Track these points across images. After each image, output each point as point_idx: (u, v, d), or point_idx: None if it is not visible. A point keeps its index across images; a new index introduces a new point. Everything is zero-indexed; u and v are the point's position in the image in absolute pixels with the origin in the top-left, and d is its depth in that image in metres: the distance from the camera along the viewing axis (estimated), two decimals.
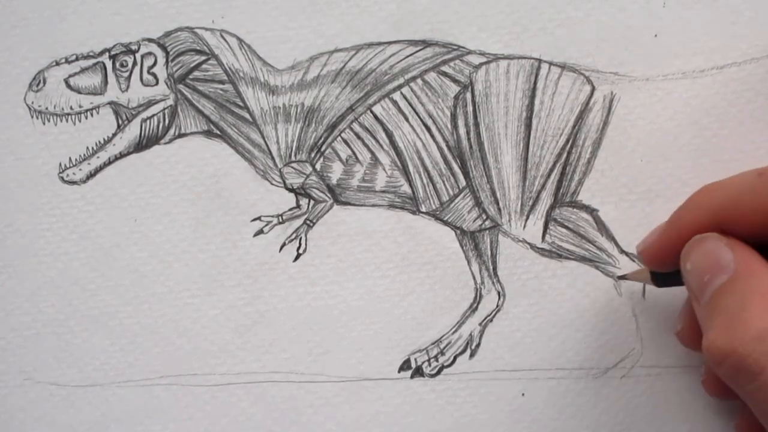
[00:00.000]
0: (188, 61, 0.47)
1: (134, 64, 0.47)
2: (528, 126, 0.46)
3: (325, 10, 0.46)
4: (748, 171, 0.37)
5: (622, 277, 0.44)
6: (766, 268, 0.36)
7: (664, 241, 0.39)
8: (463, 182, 0.46)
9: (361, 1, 0.46)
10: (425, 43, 0.46)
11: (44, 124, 0.46)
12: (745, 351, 0.33)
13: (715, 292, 0.36)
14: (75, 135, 0.46)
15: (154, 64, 0.47)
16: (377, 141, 0.46)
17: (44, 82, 0.46)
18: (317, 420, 0.46)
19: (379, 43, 0.46)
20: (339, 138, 0.46)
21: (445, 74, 0.46)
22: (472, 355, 0.46)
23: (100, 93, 0.47)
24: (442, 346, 0.46)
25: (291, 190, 0.46)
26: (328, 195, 0.46)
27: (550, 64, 0.46)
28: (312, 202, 0.46)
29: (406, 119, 0.46)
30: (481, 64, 0.46)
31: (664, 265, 0.40)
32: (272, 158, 0.46)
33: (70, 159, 0.46)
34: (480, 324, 0.46)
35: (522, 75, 0.46)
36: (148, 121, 0.46)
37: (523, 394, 0.46)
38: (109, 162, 0.46)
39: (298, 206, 0.46)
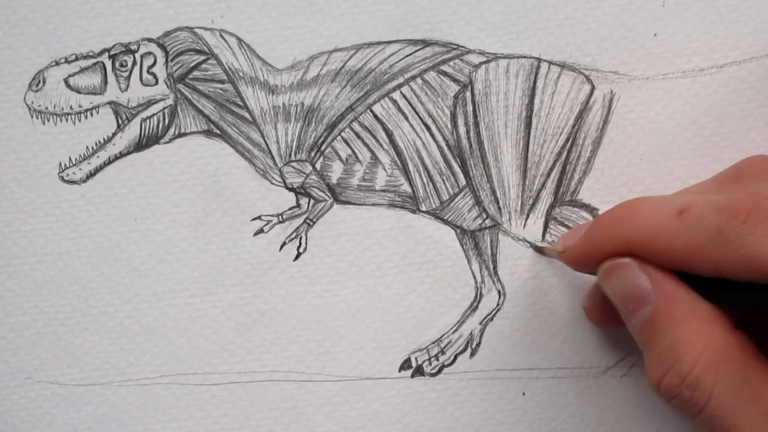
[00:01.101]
0: (188, 60, 0.47)
1: (134, 63, 0.47)
2: (528, 125, 0.46)
3: (324, 10, 0.46)
4: (671, 200, 0.37)
5: (538, 249, 0.45)
6: (685, 297, 0.37)
7: (583, 251, 0.40)
8: (463, 181, 0.46)
9: (360, 0, 0.46)
10: (425, 43, 0.46)
11: (44, 123, 0.46)
12: (684, 398, 0.36)
13: (642, 327, 0.37)
14: (75, 135, 0.46)
15: (154, 63, 0.47)
16: (377, 140, 0.46)
17: (44, 82, 0.46)
18: (317, 419, 0.46)
19: (379, 43, 0.46)
20: (339, 137, 0.46)
21: (445, 73, 0.46)
22: (472, 355, 0.46)
23: (100, 93, 0.47)
24: (442, 345, 0.46)
25: (291, 189, 0.46)
26: (328, 194, 0.46)
27: (550, 63, 0.46)
28: (312, 201, 0.46)
29: (406, 118, 0.46)
30: (481, 64, 0.46)
31: (584, 270, 0.41)
32: (272, 158, 0.46)
33: (70, 159, 0.46)
34: (480, 323, 0.46)
35: (522, 74, 0.46)
36: (147, 121, 0.46)
37: (523, 394, 0.46)
38: (109, 162, 0.46)
39: (298, 205, 0.46)
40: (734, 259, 0.34)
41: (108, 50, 0.47)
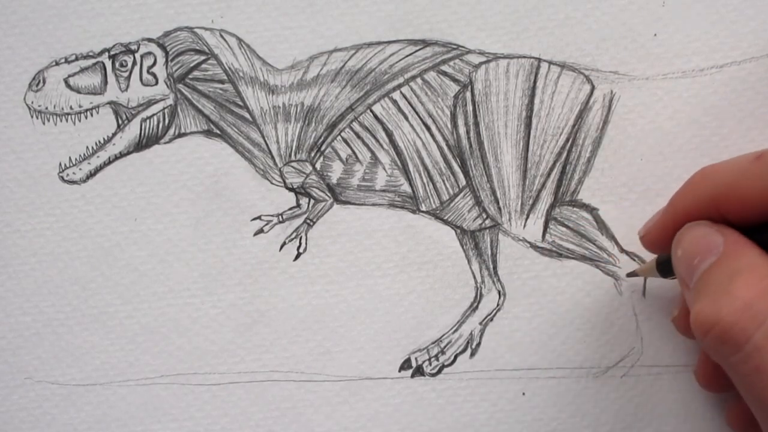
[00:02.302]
0: (188, 60, 0.47)
1: (134, 63, 0.47)
2: (528, 125, 0.46)
3: (324, 10, 0.46)
4: (745, 154, 0.37)
5: (631, 274, 0.44)
6: (753, 247, 0.36)
7: (662, 225, 0.40)
8: (463, 181, 0.46)
9: (360, 1, 0.46)
10: (425, 43, 0.46)
11: (44, 124, 0.46)
12: (731, 319, 0.33)
13: (703, 273, 0.36)
14: (75, 135, 0.46)
15: (154, 63, 0.47)
16: (377, 140, 0.46)
17: (44, 82, 0.46)
18: (317, 419, 0.46)
19: (379, 43, 0.46)
20: (339, 137, 0.46)
21: (445, 73, 0.46)
22: (472, 355, 0.46)
23: (100, 93, 0.47)
24: (442, 346, 0.46)
25: (291, 189, 0.46)
26: (328, 194, 0.46)
27: (550, 63, 0.46)
28: (312, 201, 0.46)
29: (406, 118, 0.46)
30: (481, 64, 0.46)
31: (663, 249, 0.40)
32: (272, 158, 0.46)
33: (70, 159, 0.46)
34: (480, 323, 0.46)
35: (522, 74, 0.46)
36: (147, 121, 0.46)
37: (523, 394, 0.46)
38: (109, 162, 0.46)
39: (298, 205, 0.46)
40: None
41: (108, 50, 0.47)
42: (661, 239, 0.40)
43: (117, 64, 0.46)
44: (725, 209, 0.37)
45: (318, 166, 0.47)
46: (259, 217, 0.46)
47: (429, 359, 0.46)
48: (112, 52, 0.47)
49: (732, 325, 0.33)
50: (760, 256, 0.35)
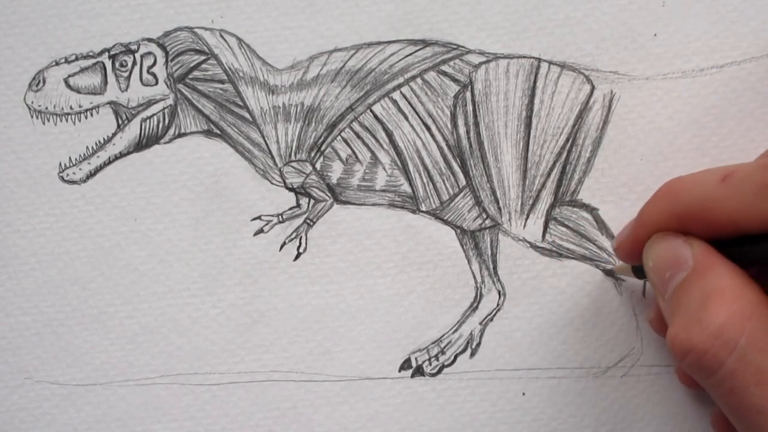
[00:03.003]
0: (188, 60, 0.47)
1: (134, 63, 0.47)
2: (528, 125, 0.46)
3: (324, 10, 0.46)
4: (712, 171, 0.37)
5: (608, 272, 0.45)
6: (723, 263, 0.36)
7: (633, 237, 0.40)
8: (463, 181, 0.46)
9: (360, 1, 0.46)
10: (425, 43, 0.46)
11: (44, 124, 0.46)
12: (703, 347, 0.34)
13: (675, 288, 0.37)
14: (75, 135, 0.46)
15: (154, 63, 0.47)
16: (377, 140, 0.46)
17: (44, 82, 0.46)
18: (317, 419, 0.46)
19: (379, 43, 0.46)
20: (339, 137, 0.46)
21: (445, 73, 0.46)
22: (472, 355, 0.46)
23: (100, 93, 0.47)
24: (442, 346, 0.46)
25: (291, 189, 0.46)
26: (328, 194, 0.46)
27: (550, 63, 0.46)
28: (312, 201, 0.46)
29: (406, 118, 0.46)
30: (481, 64, 0.46)
31: (637, 260, 0.41)
32: (272, 158, 0.46)
33: (70, 159, 0.46)
34: (480, 323, 0.46)
35: (522, 74, 0.46)
36: (147, 121, 0.46)
37: (523, 394, 0.46)
38: (109, 162, 0.46)
39: (298, 205, 0.46)
40: None
41: (108, 50, 0.47)
42: (633, 251, 0.40)
43: (117, 64, 0.46)
44: (690, 227, 0.37)
45: (318, 166, 0.47)
46: (259, 217, 0.46)
47: (429, 359, 0.46)
48: (112, 52, 0.47)
49: (704, 352, 0.34)
50: (728, 275, 0.36)
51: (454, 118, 0.46)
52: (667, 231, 0.38)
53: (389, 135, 0.46)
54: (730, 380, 0.34)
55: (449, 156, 0.46)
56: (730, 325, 0.34)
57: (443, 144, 0.46)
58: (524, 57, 0.46)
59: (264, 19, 0.46)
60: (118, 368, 0.46)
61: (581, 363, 0.46)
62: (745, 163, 0.37)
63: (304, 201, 0.46)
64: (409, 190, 0.46)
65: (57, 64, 0.46)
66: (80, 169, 0.46)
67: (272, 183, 0.46)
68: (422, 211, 0.46)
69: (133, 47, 0.47)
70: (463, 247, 0.46)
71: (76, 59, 0.46)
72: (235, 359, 0.46)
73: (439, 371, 0.46)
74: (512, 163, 0.46)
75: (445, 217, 0.46)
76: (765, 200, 0.35)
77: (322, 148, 0.46)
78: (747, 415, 0.34)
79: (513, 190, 0.46)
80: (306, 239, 0.46)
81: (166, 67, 0.47)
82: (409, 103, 0.46)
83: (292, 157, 0.46)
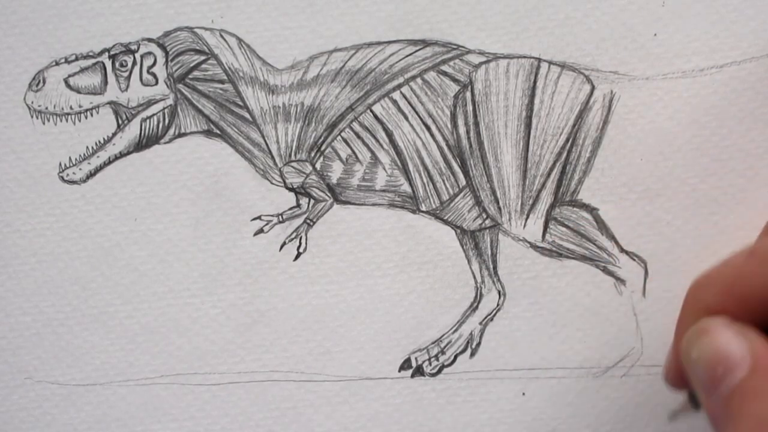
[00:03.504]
0: (188, 60, 0.47)
1: (134, 63, 0.47)
2: (528, 125, 0.46)
3: (324, 10, 0.46)
4: (739, 252, 0.35)
5: (673, 415, 0.41)
6: None
7: (676, 361, 0.37)
8: (463, 181, 0.46)
9: (360, 1, 0.46)
10: (425, 43, 0.46)
11: (44, 124, 0.46)
12: None
13: (732, 391, 0.33)
14: (75, 135, 0.46)
15: (154, 63, 0.47)
16: (377, 140, 0.46)
17: (44, 82, 0.46)
18: (317, 419, 0.46)
19: (379, 43, 0.46)
20: (339, 137, 0.46)
21: (445, 73, 0.46)
22: (472, 355, 0.46)
23: (100, 93, 0.47)
24: (442, 346, 0.46)
25: (291, 189, 0.46)
26: (328, 194, 0.46)
27: (550, 63, 0.46)
28: (312, 201, 0.46)
29: (406, 118, 0.46)
30: (481, 64, 0.46)
31: (687, 384, 0.37)
32: (272, 158, 0.46)
33: (70, 159, 0.46)
34: (480, 323, 0.46)
35: (522, 74, 0.46)
36: (147, 121, 0.46)
37: (523, 394, 0.46)
38: (109, 162, 0.46)
39: (298, 205, 0.46)
40: None
41: (108, 50, 0.47)
42: (681, 375, 0.37)
43: (117, 64, 0.46)
44: (725, 312, 0.35)
45: (318, 166, 0.46)
46: (259, 217, 0.46)
47: (429, 359, 0.46)
48: (112, 52, 0.47)
49: None
50: None
51: (454, 118, 0.46)
52: (713, 317, 0.35)
53: (389, 135, 0.46)
54: None
55: (449, 156, 0.46)
56: None
57: (443, 144, 0.46)
58: (524, 57, 0.46)
59: (264, 19, 0.46)
60: (118, 368, 0.46)
61: (581, 363, 0.46)
62: (761, 239, 0.36)
63: (304, 201, 0.46)
64: (409, 190, 0.46)
65: (57, 64, 0.46)
66: (80, 169, 0.46)
67: (272, 183, 0.46)
68: (422, 211, 0.46)
69: (133, 47, 0.46)
70: (463, 247, 0.46)
71: (76, 59, 0.46)
72: (235, 359, 0.46)
73: (439, 371, 0.46)
74: (512, 163, 0.46)
75: (445, 217, 0.46)
76: None
77: (322, 148, 0.46)
78: None
79: (513, 190, 0.46)
80: (306, 239, 0.46)
81: (166, 67, 0.47)
82: (409, 103, 0.46)
83: (292, 157, 0.46)
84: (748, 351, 0.33)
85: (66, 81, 0.46)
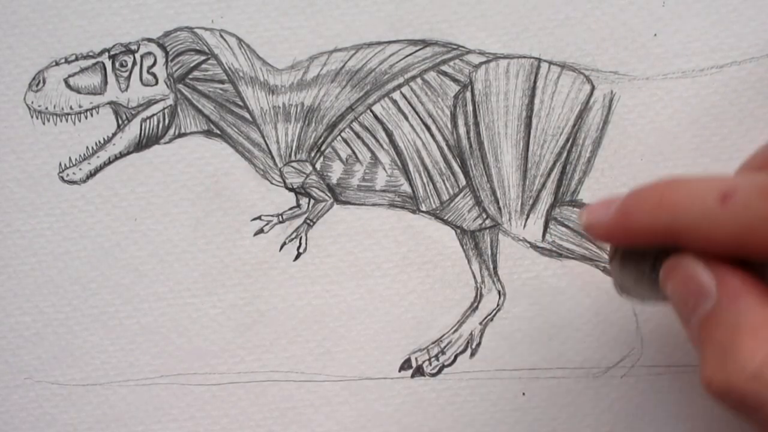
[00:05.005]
0: (188, 60, 0.47)
1: (134, 64, 0.47)
2: (528, 125, 0.46)
3: (324, 10, 0.46)
4: (710, 186, 0.35)
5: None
6: (749, 291, 0.35)
7: (615, 231, 0.38)
8: (463, 181, 0.46)
9: (360, 1, 0.46)
10: (425, 43, 0.46)
11: (44, 124, 0.46)
12: (743, 390, 0.33)
13: (702, 322, 0.35)
14: (75, 135, 0.46)
15: (154, 63, 0.47)
16: (377, 140, 0.46)
17: (44, 82, 0.46)
18: (317, 419, 0.46)
19: (379, 43, 0.46)
20: (339, 137, 0.46)
21: (445, 73, 0.46)
22: (472, 355, 0.46)
23: (100, 93, 0.47)
24: (442, 346, 0.46)
25: (291, 189, 0.46)
26: (328, 194, 0.46)
27: (550, 63, 0.46)
28: (312, 201, 0.46)
29: (406, 118, 0.46)
30: (481, 64, 0.46)
31: (611, 242, 0.39)
32: (272, 158, 0.46)
33: (70, 159, 0.46)
34: (480, 323, 0.46)
35: (522, 74, 0.46)
36: (147, 121, 0.46)
37: (523, 394, 0.46)
38: (109, 162, 0.46)
39: (298, 205, 0.46)
40: None
41: (108, 50, 0.47)
42: (613, 241, 0.39)
43: (117, 64, 0.46)
44: (687, 245, 0.36)
45: (318, 166, 0.47)
46: (259, 217, 0.46)
47: (429, 359, 0.46)
48: (112, 52, 0.47)
49: (744, 395, 0.33)
50: (758, 305, 0.34)
51: (454, 118, 0.46)
52: (685, 254, 0.36)
53: (389, 135, 0.46)
54: None
55: (449, 156, 0.46)
56: (767, 365, 0.33)
57: (443, 144, 0.46)
58: (524, 57, 0.46)
59: (264, 19, 0.46)
60: (118, 368, 0.46)
61: (581, 363, 0.46)
62: (743, 178, 0.36)
63: (304, 201, 0.46)
64: (409, 190, 0.46)
65: (57, 64, 0.46)
66: (80, 169, 0.46)
67: (272, 183, 0.46)
68: (422, 211, 0.46)
69: (133, 47, 0.46)
70: (463, 247, 0.46)
71: (76, 59, 0.46)
72: (235, 359, 0.46)
73: (439, 371, 0.46)
74: (512, 163, 0.46)
75: (445, 217, 0.46)
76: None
77: (322, 148, 0.46)
78: None
79: (513, 190, 0.46)
80: (306, 239, 0.46)
81: (166, 67, 0.47)
82: (409, 103, 0.46)
83: (292, 157, 0.46)
84: (715, 282, 0.35)
85: (66, 81, 0.46)
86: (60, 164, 0.46)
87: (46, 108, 0.46)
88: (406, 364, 0.46)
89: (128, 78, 0.47)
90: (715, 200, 0.35)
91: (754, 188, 0.34)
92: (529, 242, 0.46)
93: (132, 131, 0.46)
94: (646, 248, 0.38)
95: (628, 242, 0.38)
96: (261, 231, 0.46)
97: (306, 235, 0.46)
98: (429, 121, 0.46)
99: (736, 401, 0.34)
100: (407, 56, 0.46)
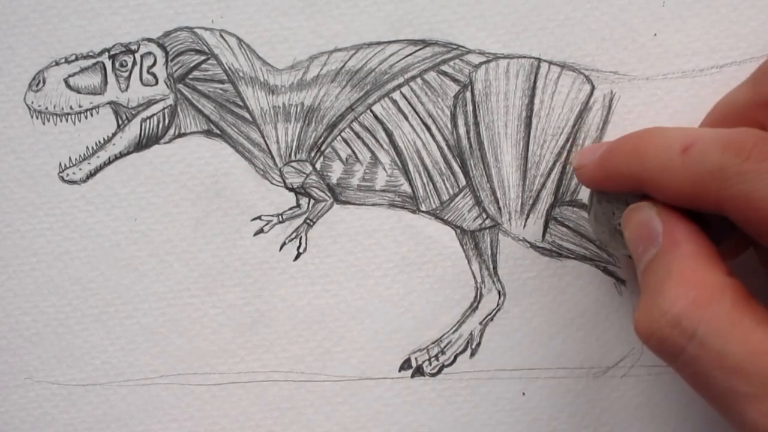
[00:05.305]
0: (188, 60, 0.47)
1: (134, 63, 0.47)
2: (528, 125, 0.46)
3: (324, 10, 0.46)
4: (678, 135, 0.37)
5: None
6: (689, 241, 0.36)
7: (595, 175, 0.40)
8: (463, 181, 0.46)
9: (359, 1, 0.46)
10: (425, 43, 0.46)
11: (44, 124, 0.46)
12: (662, 334, 0.35)
13: (645, 266, 0.37)
14: (75, 135, 0.46)
15: (154, 63, 0.47)
16: (377, 140, 0.46)
17: (44, 82, 0.46)
18: (317, 419, 0.46)
19: (379, 43, 0.46)
20: (339, 137, 0.46)
21: (445, 73, 0.46)
22: (472, 355, 0.46)
23: (100, 93, 0.47)
24: (442, 346, 0.46)
25: (291, 189, 0.46)
26: (328, 194, 0.46)
27: (550, 63, 0.46)
28: (312, 201, 0.46)
29: (406, 118, 0.46)
30: (481, 64, 0.46)
31: (594, 186, 0.41)
32: (272, 158, 0.46)
33: (70, 159, 0.46)
34: (480, 323, 0.46)
35: (522, 74, 0.46)
36: (147, 121, 0.46)
37: (523, 394, 0.46)
38: (109, 162, 0.46)
39: (298, 205, 0.46)
40: (733, 195, 0.34)
41: (108, 50, 0.47)
42: (593, 186, 0.41)
43: (117, 64, 0.46)
44: (653, 192, 0.38)
45: (318, 166, 0.47)
46: (259, 217, 0.46)
47: (429, 359, 0.46)
48: (112, 52, 0.47)
49: (664, 339, 0.35)
50: (692, 255, 0.36)
51: (454, 118, 0.46)
52: (641, 203, 0.38)
53: (389, 135, 0.46)
54: (692, 365, 0.34)
55: (449, 156, 0.46)
56: (687, 313, 0.34)
57: (443, 144, 0.46)
58: (524, 57, 0.46)
59: (264, 19, 0.46)
60: (118, 368, 0.46)
61: (581, 363, 0.46)
62: (710, 131, 0.37)
63: (304, 201, 0.46)
64: (409, 190, 0.46)
65: (57, 64, 0.46)
66: (80, 169, 0.46)
67: (272, 183, 0.46)
68: (422, 211, 0.46)
69: (133, 47, 0.46)
70: (463, 247, 0.46)
71: (76, 59, 0.46)
72: (235, 359, 0.46)
73: (439, 371, 0.46)
74: (512, 163, 0.46)
75: (445, 217, 0.46)
76: (718, 182, 0.35)
77: (322, 148, 0.46)
78: (713, 397, 0.35)
79: (513, 190, 0.46)
80: (306, 239, 0.46)
81: (166, 67, 0.47)
82: (409, 103, 0.46)
83: (292, 157, 0.46)
84: (662, 233, 0.37)
85: (66, 81, 0.46)
86: (60, 164, 0.46)
87: (46, 108, 0.46)
88: (406, 364, 0.46)
89: (128, 78, 0.47)
90: (677, 150, 0.36)
91: (713, 140, 0.36)
92: (529, 242, 0.46)
93: (132, 131, 0.46)
94: (619, 195, 0.40)
95: (607, 187, 0.40)
96: (261, 231, 0.46)
97: (306, 235, 0.46)
98: (429, 121, 0.46)
99: (657, 346, 0.35)
100: (407, 56, 0.46)
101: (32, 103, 0.46)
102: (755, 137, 0.35)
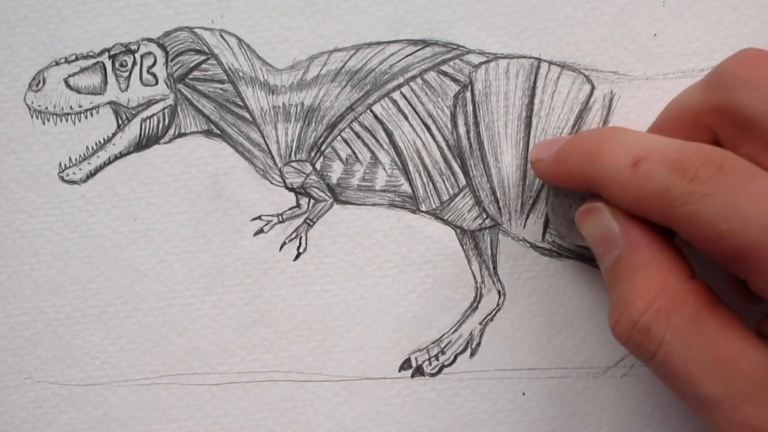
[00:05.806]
0: (188, 60, 0.47)
1: (134, 63, 0.47)
2: (528, 125, 0.46)
3: (324, 10, 0.46)
4: (628, 150, 0.37)
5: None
6: (648, 245, 0.37)
7: (550, 171, 0.41)
8: (463, 181, 0.46)
9: (359, 1, 0.46)
10: (425, 43, 0.46)
11: (44, 124, 0.46)
12: (635, 341, 0.36)
13: (608, 269, 0.38)
14: (75, 135, 0.46)
15: (154, 63, 0.47)
16: (377, 140, 0.46)
17: (44, 82, 0.46)
18: (317, 419, 0.46)
19: (379, 43, 0.46)
20: (339, 137, 0.46)
21: (445, 73, 0.46)
22: (472, 355, 0.46)
23: (100, 93, 0.47)
24: (442, 346, 0.46)
25: (291, 189, 0.46)
26: (328, 194, 0.46)
27: (550, 63, 0.46)
28: (312, 201, 0.46)
29: (406, 118, 0.46)
30: (481, 64, 0.46)
31: (548, 180, 0.42)
32: (272, 158, 0.46)
33: (70, 159, 0.46)
34: (480, 323, 0.46)
35: (522, 74, 0.46)
36: (147, 121, 0.46)
37: (523, 394, 0.46)
38: (109, 162, 0.46)
39: (298, 205, 0.46)
40: (678, 217, 0.35)
41: (108, 50, 0.47)
42: (548, 180, 0.42)
43: (117, 64, 0.46)
44: (603, 196, 0.38)
45: (318, 166, 0.47)
46: (259, 217, 0.46)
47: (429, 359, 0.46)
48: (112, 52, 0.47)
49: (637, 344, 0.36)
50: (653, 260, 0.37)
51: (454, 118, 0.46)
52: (596, 203, 0.39)
53: (389, 135, 0.46)
54: (663, 368, 0.36)
55: (449, 156, 0.46)
56: (654, 322, 0.35)
57: (443, 144, 0.46)
58: (524, 57, 0.46)
59: (264, 19, 0.46)
60: (118, 368, 0.46)
61: (581, 363, 0.46)
62: (661, 144, 0.37)
63: (304, 201, 0.46)
64: (409, 190, 0.46)
65: (57, 64, 0.46)
66: (80, 169, 0.46)
67: (272, 183, 0.46)
68: (422, 211, 0.46)
69: (133, 47, 0.46)
70: (463, 247, 0.46)
71: (76, 59, 0.46)
72: (235, 359, 0.46)
73: (439, 371, 0.46)
74: (512, 163, 0.46)
75: (445, 217, 0.46)
76: (664, 202, 0.35)
77: (322, 148, 0.46)
78: (684, 401, 0.36)
79: (513, 190, 0.46)
80: (306, 239, 0.46)
81: (166, 67, 0.47)
82: (409, 103, 0.46)
83: (292, 157, 0.46)
84: (620, 236, 0.38)
85: (66, 81, 0.46)
86: (60, 164, 0.46)
87: (46, 108, 0.46)
88: (406, 364, 0.46)
89: (128, 78, 0.47)
90: (628, 164, 0.37)
91: (660, 157, 0.36)
92: (529, 242, 0.46)
93: (132, 131, 0.46)
94: (575, 192, 0.41)
95: (562, 184, 0.41)
96: (261, 231, 0.46)
97: (306, 235, 0.46)
98: (429, 121, 0.46)
99: (632, 349, 0.37)
100: (407, 56, 0.46)
101: (32, 103, 0.46)
102: (703, 156, 0.35)
